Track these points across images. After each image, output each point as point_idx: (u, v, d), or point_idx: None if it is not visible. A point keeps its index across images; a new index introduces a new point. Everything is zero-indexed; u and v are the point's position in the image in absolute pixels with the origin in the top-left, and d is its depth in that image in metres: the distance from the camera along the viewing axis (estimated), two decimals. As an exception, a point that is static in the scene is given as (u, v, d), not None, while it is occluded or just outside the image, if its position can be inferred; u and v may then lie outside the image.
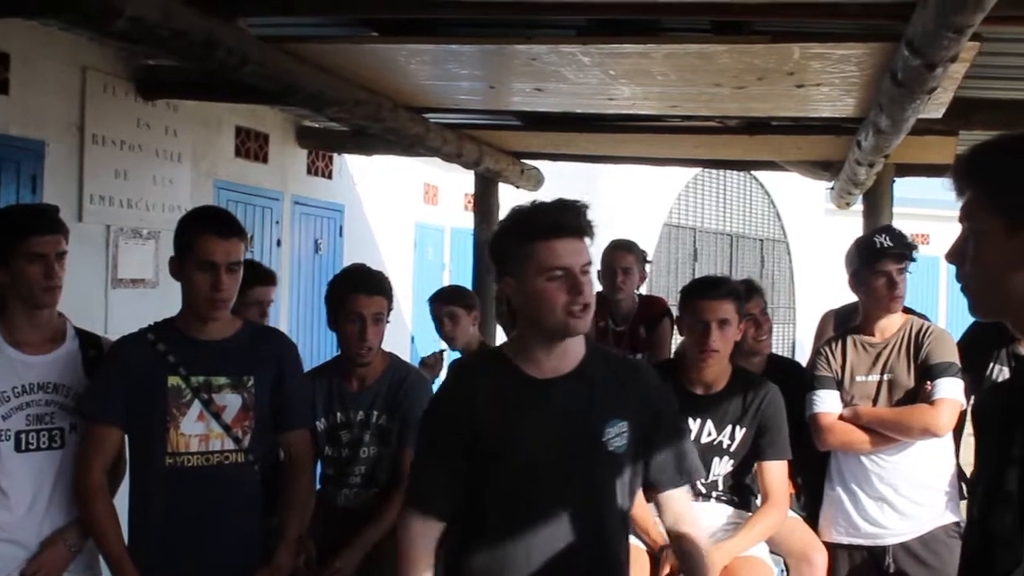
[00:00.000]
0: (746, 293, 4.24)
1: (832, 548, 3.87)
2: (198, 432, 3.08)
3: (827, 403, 3.86)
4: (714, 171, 14.17)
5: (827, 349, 3.96)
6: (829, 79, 4.48)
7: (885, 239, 3.91)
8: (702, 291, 3.64)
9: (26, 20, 4.81)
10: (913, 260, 3.87)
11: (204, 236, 3.06)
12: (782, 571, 3.86)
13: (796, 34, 4.02)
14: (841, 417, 3.84)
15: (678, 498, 2.67)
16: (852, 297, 4.90)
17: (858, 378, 3.88)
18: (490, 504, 2.52)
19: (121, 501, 3.16)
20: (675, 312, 4.09)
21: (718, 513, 3.68)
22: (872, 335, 3.92)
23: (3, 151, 5.16)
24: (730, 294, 3.60)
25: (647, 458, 2.59)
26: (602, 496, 2.52)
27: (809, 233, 16.72)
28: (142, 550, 3.07)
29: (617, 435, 2.49)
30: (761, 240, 16.26)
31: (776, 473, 3.62)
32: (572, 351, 2.53)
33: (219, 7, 3.95)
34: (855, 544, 3.88)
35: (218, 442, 3.10)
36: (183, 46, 3.89)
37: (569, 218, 2.47)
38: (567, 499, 2.49)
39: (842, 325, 4.99)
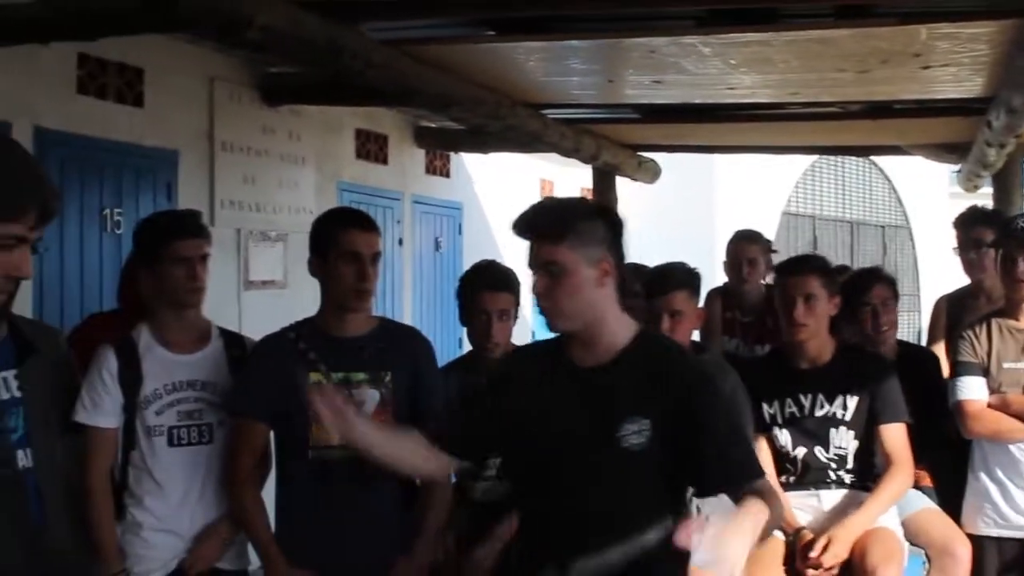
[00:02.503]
0: (866, 281, 4.19)
1: (978, 540, 3.78)
2: None
3: (973, 390, 3.76)
4: (832, 157, 13.91)
5: (971, 334, 3.85)
6: (957, 59, 4.37)
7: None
8: (786, 269, 3.79)
9: (158, 35, 5.00)
10: None
11: (348, 229, 3.16)
12: (924, 563, 3.79)
13: (923, 14, 3.93)
14: (989, 405, 3.76)
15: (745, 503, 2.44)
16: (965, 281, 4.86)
17: (1006, 365, 3.77)
18: (517, 481, 2.68)
19: (268, 493, 3.28)
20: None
21: (851, 500, 3.66)
22: (1018, 320, 3.82)
23: (140, 161, 5.38)
24: (814, 270, 3.69)
25: (681, 461, 2.46)
26: (614, 492, 2.46)
27: (933, 218, 16.28)
28: (288, 538, 3.17)
29: (635, 432, 2.42)
30: (883, 227, 15.90)
31: (895, 435, 3.61)
32: (608, 340, 2.50)
33: (342, 14, 4.04)
34: (1005, 536, 3.79)
35: None
36: (310, 53, 4.00)
37: (521, 220, 2.55)
38: (577, 490, 2.48)
39: (955, 310, 4.88)
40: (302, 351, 3.19)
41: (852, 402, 3.64)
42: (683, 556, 2.45)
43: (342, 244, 3.14)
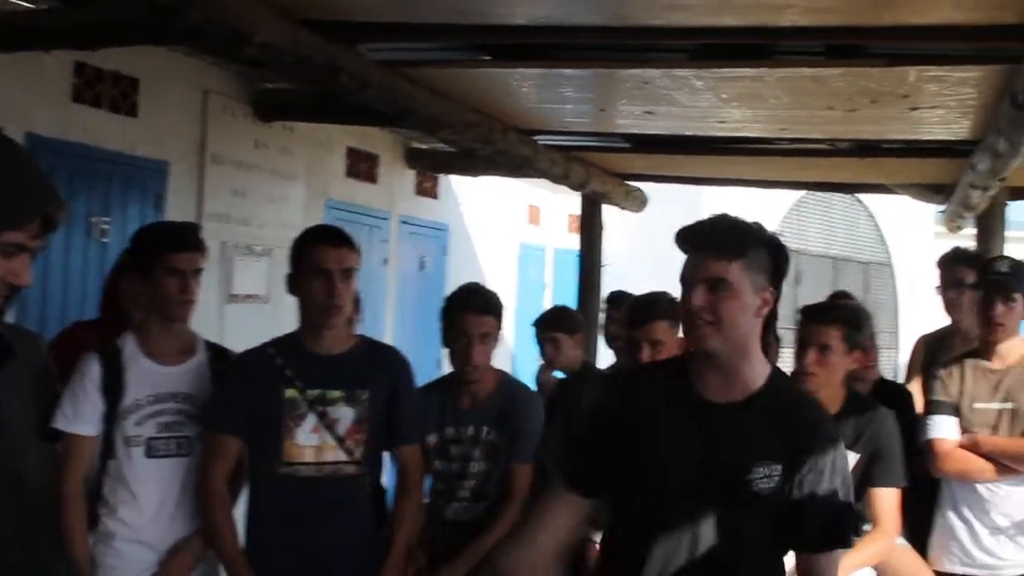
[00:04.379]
0: (864, 322, 4.20)
1: (944, 578, 3.81)
2: (312, 443, 3.17)
3: (944, 429, 3.80)
4: (818, 193, 13.99)
5: (944, 374, 3.90)
6: (945, 102, 4.43)
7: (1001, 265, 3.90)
8: (808, 314, 3.65)
9: (155, 46, 5.02)
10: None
11: (317, 245, 3.19)
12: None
13: (912, 56, 3.98)
14: (960, 445, 3.79)
15: (818, 566, 2.40)
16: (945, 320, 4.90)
17: (977, 405, 3.81)
18: (625, 516, 2.48)
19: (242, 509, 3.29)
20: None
21: None
22: (991, 361, 3.86)
23: (130, 170, 5.38)
24: (836, 320, 3.55)
25: (802, 512, 2.37)
26: (739, 536, 2.37)
27: (915, 257, 16.39)
28: (257, 555, 3.17)
29: (766, 476, 2.32)
30: (866, 264, 15.99)
31: (888, 500, 3.54)
32: (746, 377, 2.38)
33: (341, 34, 4.07)
34: (971, 575, 3.82)
35: (331, 454, 3.18)
36: (307, 71, 4.02)
37: (696, 230, 2.41)
38: (698, 529, 2.36)
39: (933, 349, 4.93)
40: (279, 367, 3.19)
41: (852, 459, 3.50)
42: None
43: (312, 260, 3.16)
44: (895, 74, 4.05)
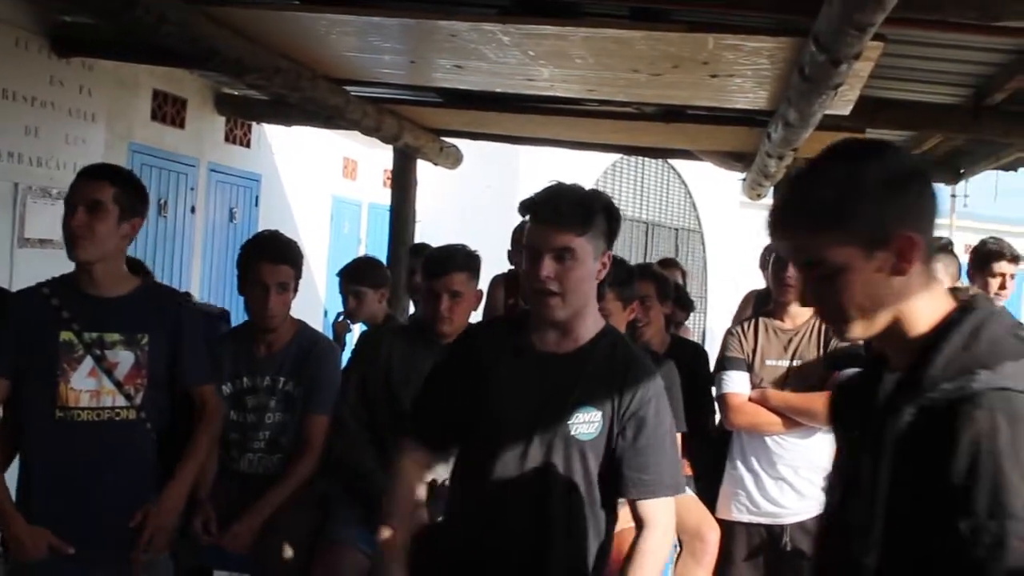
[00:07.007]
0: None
1: (729, 526, 3.98)
2: (89, 388, 3.07)
3: (737, 384, 3.97)
4: (633, 159, 14.31)
5: (739, 331, 4.08)
6: (742, 71, 4.57)
7: None
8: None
9: (-65, -31, 4.71)
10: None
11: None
12: (675, 547, 3.96)
13: (711, 25, 4.10)
14: (750, 399, 3.97)
15: (644, 509, 2.56)
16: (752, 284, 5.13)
17: (768, 362, 3.99)
18: (464, 458, 2.68)
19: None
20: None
21: None
22: (783, 321, 4.05)
23: (-93, 102, 5.05)
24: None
25: (621, 459, 2.54)
26: (558, 478, 2.51)
27: (724, 224, 17.00)
28: (30, 502, 3.06)
29: (585, 422, 2.50)
30: (676, 229, 16.47)
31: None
32: (579, 332, 2.56)
33: (138, -35, 3.91)
34: (754, 522, 4.00)
35: (109, 398, 3.09)
36: (100, 3, 3.84)
37: (544, 203, 2.53)
38: (521, 473, 2.51)
39: (759, 305, 5.16)
40: (55, 308, 3.08)
41: None
42: (606, 550, 2.59)
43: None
44: (694, 41, 4.15)
